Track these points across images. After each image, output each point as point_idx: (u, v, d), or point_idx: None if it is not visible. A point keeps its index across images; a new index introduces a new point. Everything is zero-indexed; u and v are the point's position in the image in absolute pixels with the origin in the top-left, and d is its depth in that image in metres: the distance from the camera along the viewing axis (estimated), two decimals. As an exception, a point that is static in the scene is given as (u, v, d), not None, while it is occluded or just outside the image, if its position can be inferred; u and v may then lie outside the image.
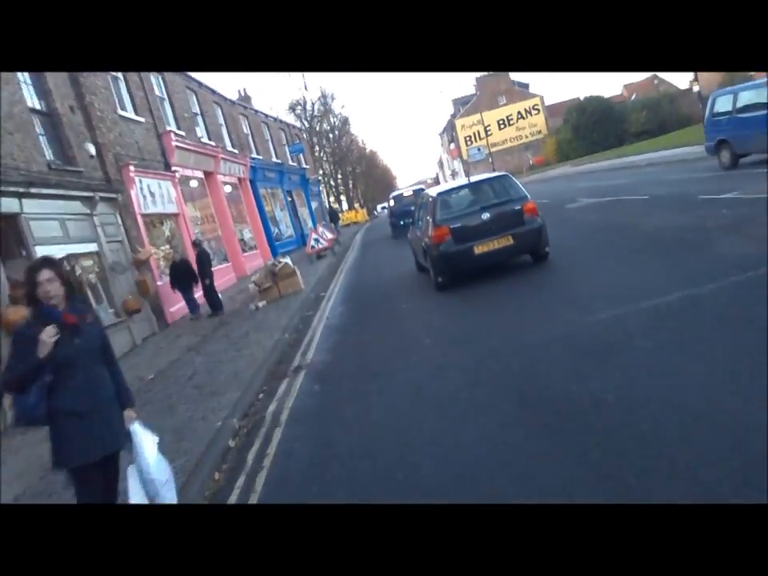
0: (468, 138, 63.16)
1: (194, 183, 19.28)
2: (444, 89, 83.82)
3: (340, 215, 47.60)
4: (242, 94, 35.54)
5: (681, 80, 67.02)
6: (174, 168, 16.95)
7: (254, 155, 26.50)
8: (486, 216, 8.43)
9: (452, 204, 9.39)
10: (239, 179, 23.88)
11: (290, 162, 32.97)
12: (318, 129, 62.91)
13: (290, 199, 30.82)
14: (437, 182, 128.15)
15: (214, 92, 23.40)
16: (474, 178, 10.56)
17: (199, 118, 21.35)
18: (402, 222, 19.80)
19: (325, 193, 70.72)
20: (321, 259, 19.19)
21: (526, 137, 61.97)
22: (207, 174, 20.20)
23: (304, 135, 41.48)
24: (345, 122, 69.24)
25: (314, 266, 17.74)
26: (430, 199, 9.49)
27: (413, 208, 14.93)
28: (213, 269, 18.96)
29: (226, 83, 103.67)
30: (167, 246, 16.40)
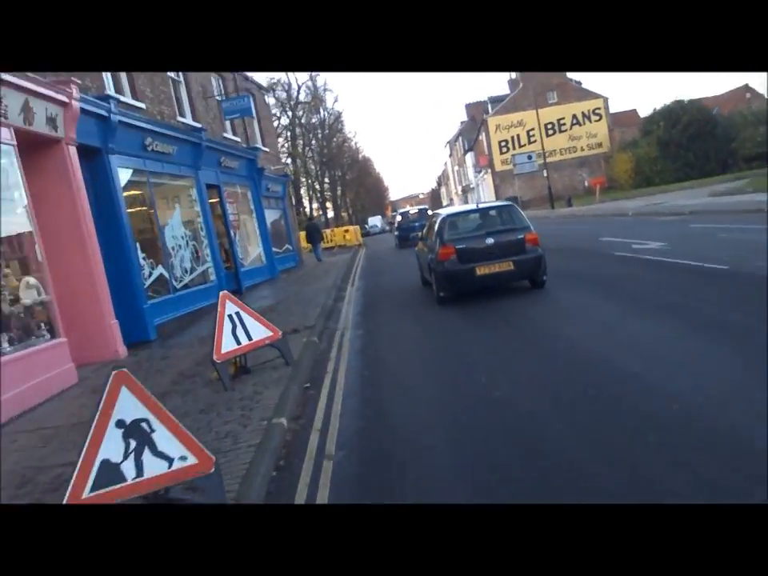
0: (503, 143, 48.04)
1: None
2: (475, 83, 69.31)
3: (324, 233, 32.39)
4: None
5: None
6: None
7: (116, 94, 11.41)
8: (490, 241, 9.05)
9: (460, 226, 10.11)
10: (39, 137, 8.72)
11: (226, 134, 17.81)
12: (303, 120, 52.08)
13: (213, 200, 15.66)
14: (436, 197, 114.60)
15: None
16: (482, 205, 11.60)
17: None
18: (408, 236, 23.45)
19: (308, 198, 56.87)
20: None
21: (582, 149, 46.65)
22: None
23: (265, 97, 26.09)
24: (337, 118, 58.13)
25: None
26: (440, 219, 10.09)
27: (417, 224, 23.33)
28: None
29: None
30: None
